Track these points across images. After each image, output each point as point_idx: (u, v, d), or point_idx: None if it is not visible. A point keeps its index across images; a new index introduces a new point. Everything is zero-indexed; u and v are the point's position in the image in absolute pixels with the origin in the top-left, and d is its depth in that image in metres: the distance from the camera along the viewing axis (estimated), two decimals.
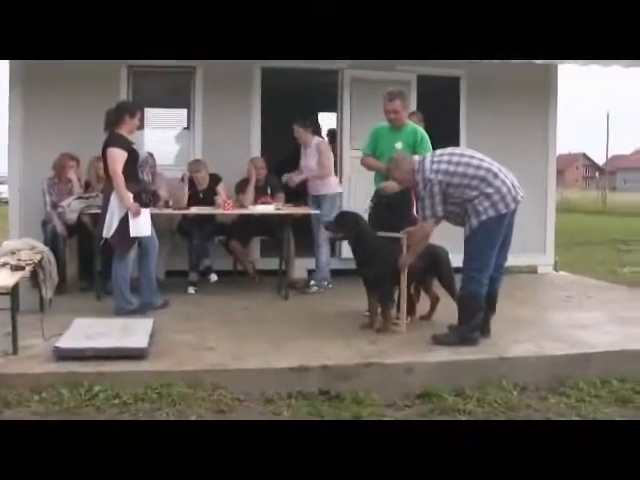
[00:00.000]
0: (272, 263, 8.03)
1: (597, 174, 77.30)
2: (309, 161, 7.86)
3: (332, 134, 11.88)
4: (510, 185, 5.24)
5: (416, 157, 5.55)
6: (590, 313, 6.64)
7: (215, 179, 7.80)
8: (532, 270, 9.13)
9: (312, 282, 7.69)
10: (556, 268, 9.40)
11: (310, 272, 7.99)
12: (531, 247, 8.85)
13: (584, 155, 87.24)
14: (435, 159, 5.35)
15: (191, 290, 7.47)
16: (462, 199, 5.24)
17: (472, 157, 5.34)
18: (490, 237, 5.24)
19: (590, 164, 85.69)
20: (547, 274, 9.20)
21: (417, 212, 5.70)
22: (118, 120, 6.21)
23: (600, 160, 70.53)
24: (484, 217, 5.19)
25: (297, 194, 7.93)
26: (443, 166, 5.27)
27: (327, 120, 13.17)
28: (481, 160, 5.32)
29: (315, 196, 7.85)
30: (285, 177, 8.02)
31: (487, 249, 5.25)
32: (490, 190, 5.18)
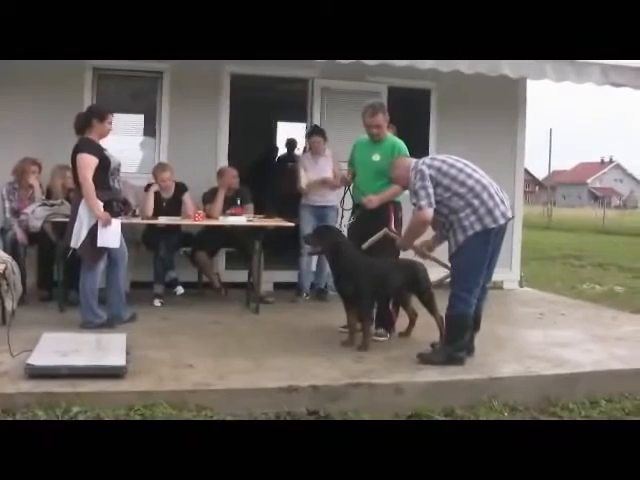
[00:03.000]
0: (237, 275, 7.85)
1: (537, 189, 78.67)
2: (324, 170, 7.71)
3: (290, 144, 11.76)
4: (498, 200, 5.13)
5: (413, 159, 5.50)
6: (566, 331, 6.59)
7: (181, 188, 7.51)
8: (498, 286, 9.03)
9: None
10: (521, 284, 9.38)
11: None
12: (497, 262, 8.72)
13: (525, 170, 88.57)
14: (429, 157, 5.48)
15: (157, 303, 7.21)
16: (448, 208, 5.13)
17: (466, 165, 5.26)
18: (477, 254, 5.11)
19: (531, 179, 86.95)
20: (513, 290, 9.16)
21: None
22: (87, 124, 5.94)
23: (541, 175, 71.91)
24: (470, 232, 5.07)
25: (261, 204, 7.73)
26: (436, 163, 5.24)
27: (287, 129, 13.12)
28: (473, 170, 5.22)
29: (320, 207, 7.71)
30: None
31: (475, 267, 5.13)
32: (476, 202, 5.06)
